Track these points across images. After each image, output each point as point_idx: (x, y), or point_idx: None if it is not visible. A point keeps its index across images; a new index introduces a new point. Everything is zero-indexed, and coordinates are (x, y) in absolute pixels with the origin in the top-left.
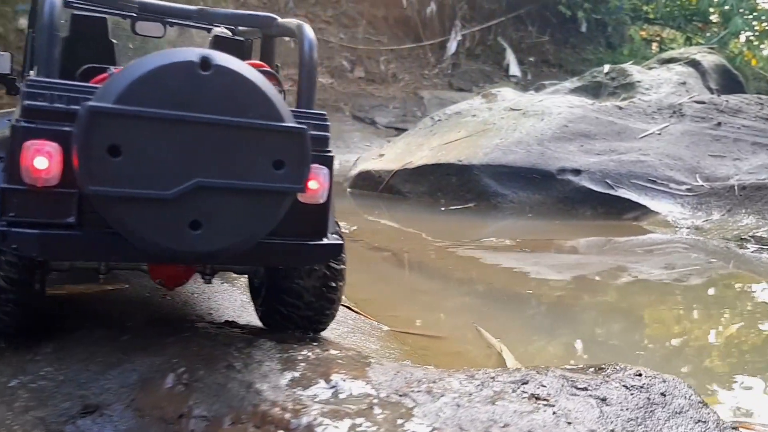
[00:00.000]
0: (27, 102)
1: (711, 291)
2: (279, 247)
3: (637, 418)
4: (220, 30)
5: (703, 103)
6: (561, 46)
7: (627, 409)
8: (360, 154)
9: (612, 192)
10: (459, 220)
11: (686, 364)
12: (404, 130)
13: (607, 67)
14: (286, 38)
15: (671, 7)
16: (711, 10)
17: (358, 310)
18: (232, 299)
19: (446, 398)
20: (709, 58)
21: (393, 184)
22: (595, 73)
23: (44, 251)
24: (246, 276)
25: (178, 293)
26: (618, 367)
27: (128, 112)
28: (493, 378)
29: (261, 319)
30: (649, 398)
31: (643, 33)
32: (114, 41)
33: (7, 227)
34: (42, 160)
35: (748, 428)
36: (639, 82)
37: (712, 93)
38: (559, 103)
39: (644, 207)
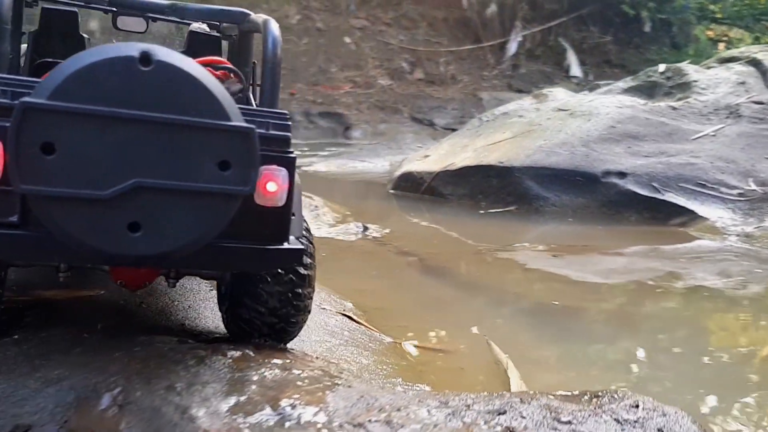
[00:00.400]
0: None
1: None
2: (236, 251)
3: None
4: (197, 25)
5: (762, 103)
6: (624, 46)
7: None
8: (410, 155)
9: (658, 196)
10: (498, 224)
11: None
12: None
13: (662, 67)
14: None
15: (739, 7)
16: None
17: (360, 321)
18: (214, 309)
19: (406, 430)
20: None
21: (434, 186)
22: (650, 72)
23: None
24: None
25: (158, 301)
26: (615, 396)
27: (62, 108)
28: (468, 406)
29: (226, 327)
30: None
31: (709, 33)
32: (85, 36)
33: None
34: None
35: None
36: (695, 81)
37: None
38: (608, 103)
39: (692, 212)
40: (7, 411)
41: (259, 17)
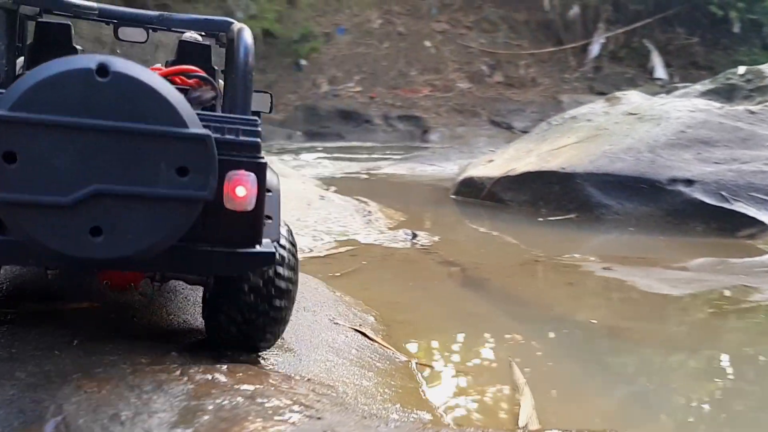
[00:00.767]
0: None
1: None
2: (207, 254)
3: None
4: (189, 35)
5: None
6: (711, 47)
7: None
8: (475, 160)
9: (726, 206)
10: (556, 232)
11: None
12: None
13: (742, 69)
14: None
15: None
16: None
17: (373, 337)
18: None
19: None
20: None
21: (495, 192)
22: (729, 74)
23: None
24: None
25: (152, 314)
26: None
27: (22, 119)
28: None
29: (207, 334)
30: None
31: None
32: (79, 47)
33: None
34: None
35: None
36: None
37: None
38: (680, 106)
39: (762, 223)
40: None
41: (235, 25)
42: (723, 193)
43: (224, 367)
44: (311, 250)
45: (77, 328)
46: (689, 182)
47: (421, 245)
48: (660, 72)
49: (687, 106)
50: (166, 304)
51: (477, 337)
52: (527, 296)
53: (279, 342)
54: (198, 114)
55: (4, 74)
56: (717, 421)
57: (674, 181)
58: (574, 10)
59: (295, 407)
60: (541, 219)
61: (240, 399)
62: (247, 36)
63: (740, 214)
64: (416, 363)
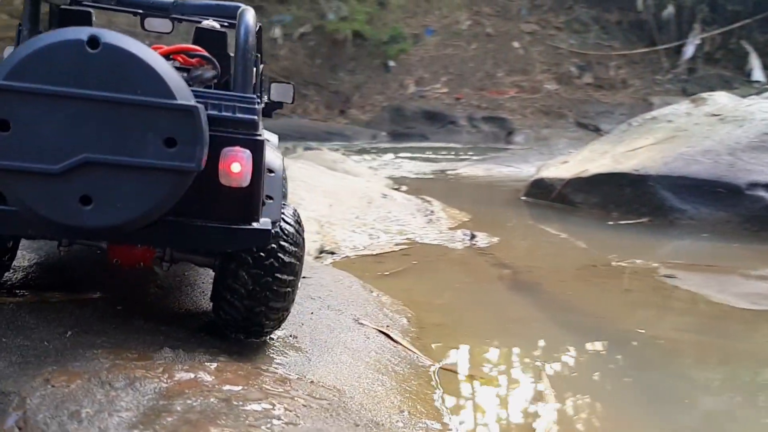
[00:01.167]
0: None
1: None
2: (202, 229)
3: None
4: (207, 23)
5: None
6: None
7: None
8: (550, 161)
9: None
10: (626, 237)
11: None
12: None
13: None
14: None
15: None
16: None
17: (398, 340)
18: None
19: None
20: None
21: (565, 194)
22: None
23: None
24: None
25: (168, 302)
26: None
27: (15, 87)
28: None
29: (214, 318)
30: None
31: None
32: None
33: None
34: None
35: None
36: None
37: None
38: (766, 107)
39: None
40: None
41: (242, 8)
42: None
43: (213, 365)
44: (364, 248)
45: (79, 319)
46: None
47: (478, 246)
48: (758, 74)
49: None
50: (180, 296)
51: (512, 344)
52: (577, 303)
53: (291, 341)
54: (195, 90)
55: None
56: None
57: (754, 185)
58: (669, 10)
59: (276, 411)
60: (611, 223)
61: (214, 401)
62: (249, 17)
63: None
64: (439, 368)
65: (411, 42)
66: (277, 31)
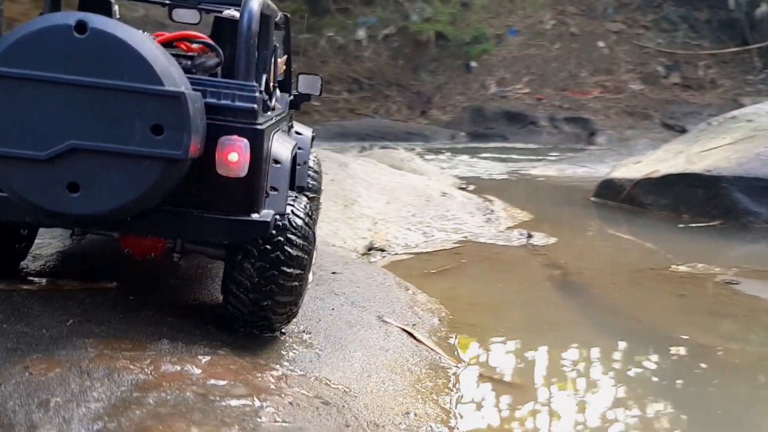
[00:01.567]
0: None
1: None
2: (200, 220)
3: None
4: (228, 13)
5: None
6: None
7: None
8: (623, 161)
9: None
10: (694, 240)
11: None
12: None
13: None
14: None
15: None
16: None
17: (421, 339)
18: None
19: None
20: None
21: (634, 195)
22: None
23: None
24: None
25: (184, 294)
26: None
27: (3, 73)
28: None
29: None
30: None
31: None
32: None
33: None
34: None
35: None
36: None
37: None
38: None
39: None
40: None
41: None
42: None
43: (207, 358)
44: (416, 246)
45: (87, 308)
46: None
47: (534, 246)
48: None
49: None
50: (198, 289)
51: (545, 348)
52: (625, 306)
53: (304, 337)
54: (193, 78)
55: None
56: None
57: None
58: (762, 9)
59: (255, 408)
60: (681, 225)
61: (190, 395)
62: (254, 4)
63: None
64: (462, 370)
65: (493, 42)
66: (361, 33)
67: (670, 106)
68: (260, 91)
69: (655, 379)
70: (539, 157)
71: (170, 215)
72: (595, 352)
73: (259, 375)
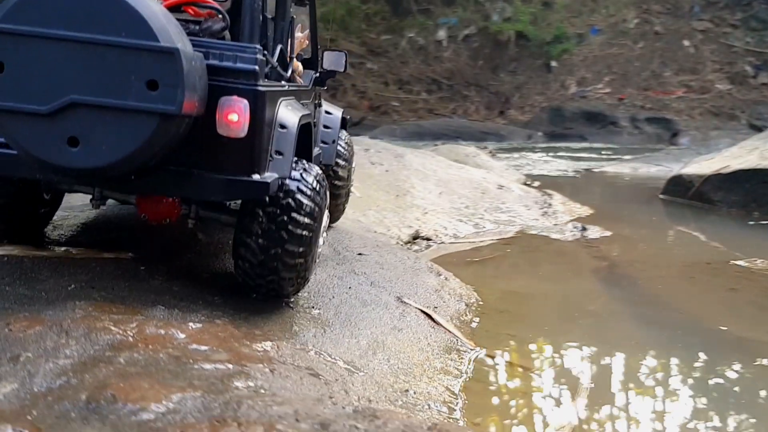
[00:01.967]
0: None
1: None
2: (200, 179)
3: None
4: None
5: None
6: None
7: None
8: (695, 158)
9: None
10: (762, 237)
11: None
12: None
13: None
14: None
15: None
16: None
17: (439, 320)
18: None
19: None
20: None
21: (703, 191)
22: None
23: None
24: None
25: (200, 262)
26: None
27: (8, 30)
28: None
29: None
30: None
31: None
32: None
33: None
34: None
35: None
36: None
37: None
38: None
39: None
40: None
41: None
42: None
43: (198, 325)
44: (465, 236)
45: (94, 275)
46: None
47: (587, 239)
48: None
49: None
50: (215, 262)
51: (574, 338)
52: (667, 298)
53: (315, 312)
54: (197, 40)
55: None
56: None
57: None
58: None
59: (230, 372)
60: (751, 222)
61: (163, 356)
62: None
63: None
64: (479, 354)
65: (574, 42)
66: (442, 33)
67: (758, 107)
68: (263, 54)
69: (678, 369)
70: (614, 157)
71: (173, 174)
72: (623, 344)
73: (248, 343)
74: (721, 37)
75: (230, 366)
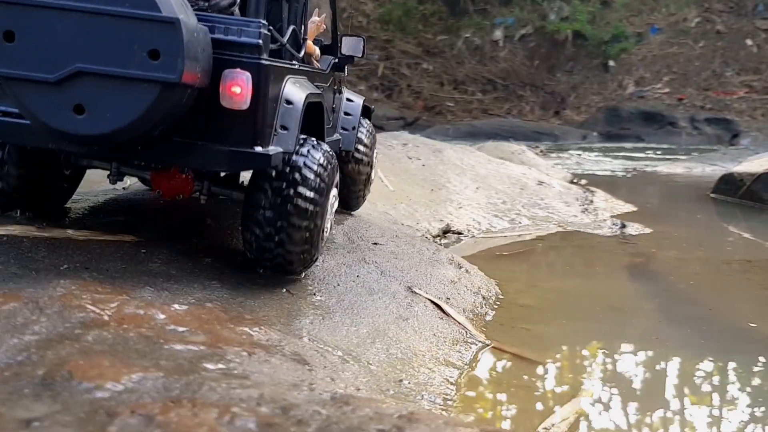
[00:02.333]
0: None
1: None
2: (202, 150)
3: None
4: None
5: None
6: None
7: None
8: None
9: None
10: None
11: None
12: None
13: None
14: None
15: None
16: None
17: (448, 311)
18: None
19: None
20: None
21: (754, 190)
22: None
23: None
24: None
25: (203, 248)
26: None
27: (19, 0)
28: None
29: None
30: None
31: None
32: None
33: None
34: None
35: None
36: None
37: None
38: None
39: None
40: None
41: None
42: None
43: (182, 307)
44: (497, 230)
45: (92, 257)
46: None
47: (625, 236)
48: None
49: None
50: (219, 249)
51: (591, 333)
52: (698, 294)
53: (316, 299)
54: (202, 14)
55: None
56: None
57: None
58: None
59: (202, 354)
60: None
61: (134, 335)
62: None
63: None
64: (488, 347)
65: (633, 41)
66: (498, 33)
67: None
68: (268, 30)
69: (692, 365)
70: (669, 157)
71: (179, 145)
72: (641, 338)
73: (232, 326)
74: None
75: (204, 348)
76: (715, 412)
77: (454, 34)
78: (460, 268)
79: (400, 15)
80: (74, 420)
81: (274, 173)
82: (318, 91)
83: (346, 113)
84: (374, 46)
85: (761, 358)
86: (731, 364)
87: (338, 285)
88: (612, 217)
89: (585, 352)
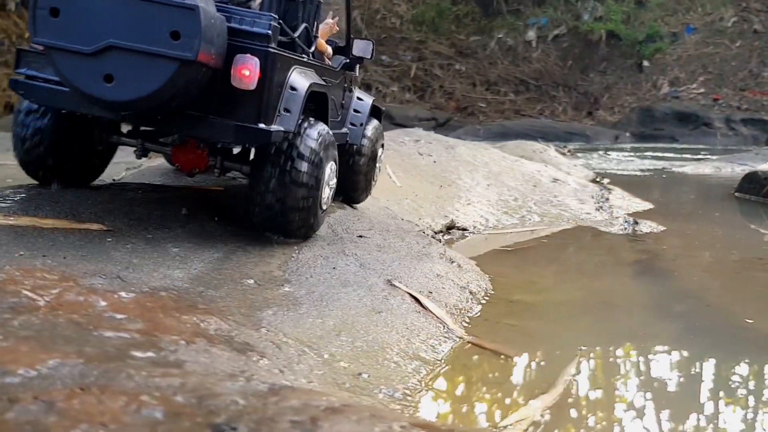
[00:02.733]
0: None
1: None
2: (213, 123)
3: None
4: None
5: None
6: None
7: None
8: None
9: None
10: None
11: None
12: None
13: None
14: None
15: None
16: None
17: (427, 305)
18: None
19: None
20: None
21: None
22: None
23: (38, 99)
24: None
25: (176, 238)
26: None
27: None
28: None
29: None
30: None
31: None
32: None
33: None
34: None
35: None
36: None
37: None
38: None
39: None
40: None
41: None
42: None
43: (129, 295)
44: (504, 227)
45: (54, 244)
46: None
47: (636, 233)
48: None
49: None
50: (189, 240)
51: (579, 330)
52: (702, 293)
53: (285, 290)
54: (222, 6)
55: None
56: None
57: None
58: None
59: (132, 342)
60: None
61: (63, 321)
62: None
63: None
64: (466, 342)
65: (668, 41)
66: (531, 34)
67: None
68: (278, 23)
69: (676, 362)
70: (698, 157)
71: (193, 117)
72: (628, 335)
73: (177, 315)
74: None
75: (137, 336)
76: (691, 408)
77: (487, 35)
78: (452, 262)
79: (434, 16)
80: None
81: (274, 149)
82: (323, 83)
83: (355, 110)
84: (407, 47)
85: (747, 356)
86: (713, 361)
87: (311, 276)
88: (626, 214)
89: (567, 348)
